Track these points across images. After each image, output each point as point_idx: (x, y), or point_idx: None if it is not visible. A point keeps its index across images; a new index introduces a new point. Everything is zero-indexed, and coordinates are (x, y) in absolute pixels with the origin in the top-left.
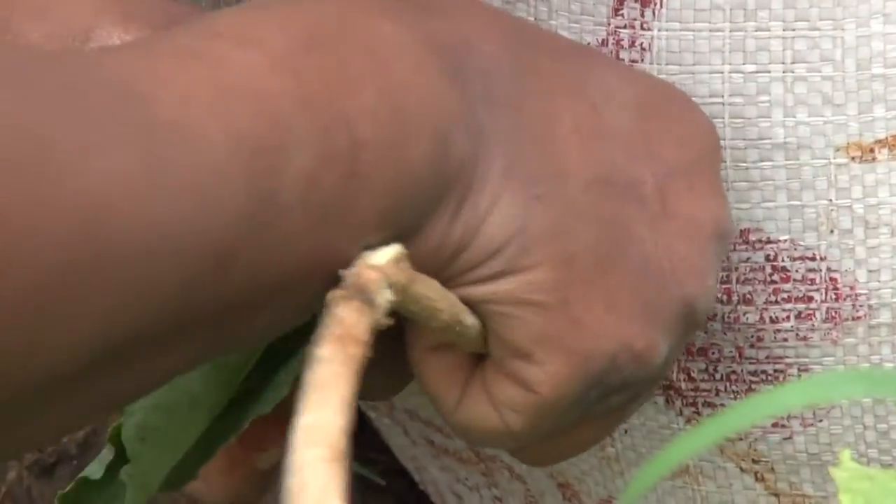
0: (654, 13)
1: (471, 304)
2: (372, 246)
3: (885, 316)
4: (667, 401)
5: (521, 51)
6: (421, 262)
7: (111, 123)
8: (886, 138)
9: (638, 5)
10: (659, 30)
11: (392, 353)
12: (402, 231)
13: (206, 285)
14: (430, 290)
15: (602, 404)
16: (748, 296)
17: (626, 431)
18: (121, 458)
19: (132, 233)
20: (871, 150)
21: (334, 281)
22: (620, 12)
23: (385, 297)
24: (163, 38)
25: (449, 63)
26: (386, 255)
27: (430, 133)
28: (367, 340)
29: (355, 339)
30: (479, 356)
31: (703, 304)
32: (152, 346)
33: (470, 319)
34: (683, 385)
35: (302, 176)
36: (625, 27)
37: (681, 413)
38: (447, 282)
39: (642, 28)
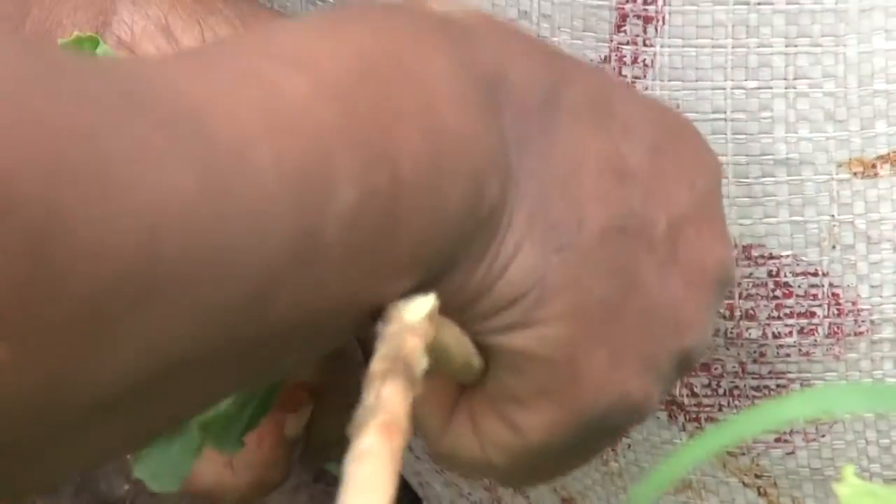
0: (656, 29)
1: (479, 346)
2: (400, 288)
3: (887, 331)
4: (669, 416)
5: (552, 83)
6: (440, 305)
7: (168, 138)
8: (888, 154)
9: (640, 22)
10: (661, 46)
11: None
12: (430, 274)
13: (248, 316)
14: (450, 338)
15: (589, 444)
16: (751, 311)
17: (629, 447)
18: None
19: (186, 252)
20: (873, 166)
21: (363, 322)
22: (623, 29)
23: (423, 367)
24: (218, 53)
25: (489, 99)
26: (422, 310)
27: (467, 177)
28: (409, 424)
29: (400, 428)
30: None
31: (699, 351)
32: (190, 374)
33: (477, 361)
34: (686, 400)
35: (344, 212)
36: (627, 44)
37: (684, 428)
38: (462, 324)
39: (645, 44)
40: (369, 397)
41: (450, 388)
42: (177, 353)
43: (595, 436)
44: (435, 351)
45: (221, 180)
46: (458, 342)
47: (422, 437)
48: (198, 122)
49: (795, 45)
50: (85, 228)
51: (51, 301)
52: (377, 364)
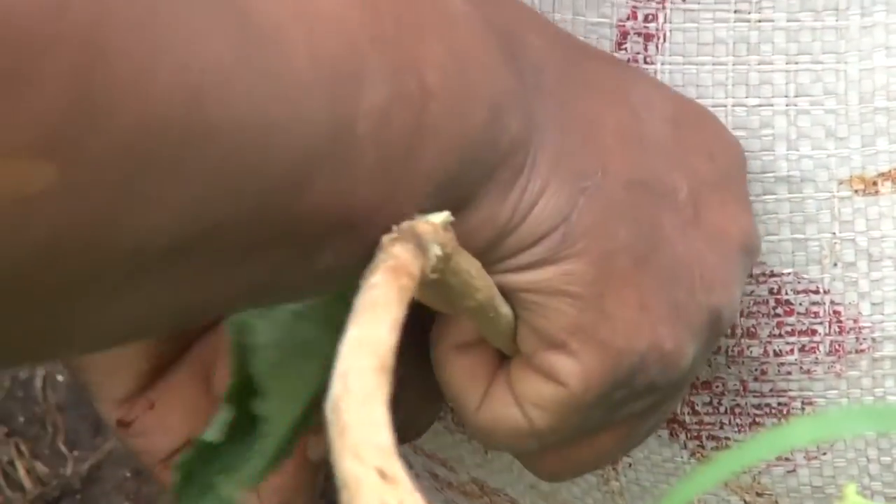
0: (657, 47)
1: (506, 293)
2: (424, 212)
3: (888, 349)
4: (671, 434)
5: (568, 51)
6: (465, 240)
7: (209, 11)
8: (889, 171)
9: (641, 39)
10: (662, 63)
11: (420, 389)
12: (452, 202)
13: (283, 198)
14: (470, 266)
15: (625, 408)
16: (752, 329)
17: (630, 465)
18: (242, 414)
19: (226, 117)
20: (874, 183)
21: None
22: (624, 46)
23: (435, 251)
24: None
25: (506, 47)
26: (437, 218)
27: (487, 103)
28: (418, 279)
29: (408, 273)
30: (502, 358)
31: (729, 314)
32: (222, 249)
33: (504, 308)
34: (688, 418)
35: (375, 110)
36: (628, 61)
37: (685, 446)
38: (486, 267)
39: (646, 62)
40: (377, 257)
41: (487, 364)
42: (212, 219)
43: (635, 393)
44: (457, 275)
45: (257, 59)
46: (479, 273)
47: (460, 414)
48: (242, 12)
49: (796, 63)
50: (130, 68)
51: (97, 131)
52: (387, 237)
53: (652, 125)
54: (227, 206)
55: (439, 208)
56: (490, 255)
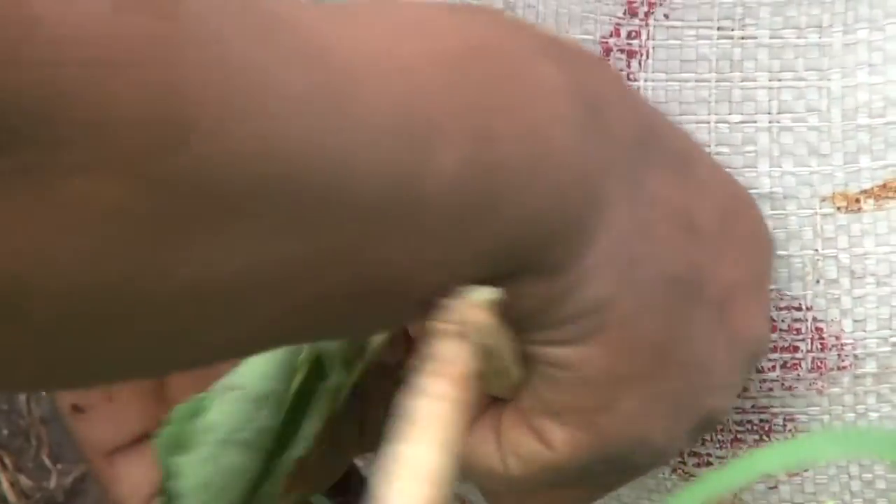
0: (640, 64)
1: (525, 357)
2: (472, 276)
3: (870, 366)
4: None
5: (648, 128)
6: (507, 307)
7: (294, 61)
8: (872, 188)
9: (624, 56)
10: (645, 80)
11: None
12: (502, 272)
13: (347, 253)
14: (496, 339)
15: (601, 478)
16: None
17: None
18: None
19: (304, 161)
20: (857, 201)
21: (430, 304)
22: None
23: (480, 340)
24: (345, 9)
25: (590, 120)
26: (485, 295)
27: (557, 183)
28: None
29: (465, 381)
30: (494, 397)
31: (721, 416)
32: (290, 298)
33: (517, 372)
34: None
35: (445, 172)
36: None
37: (667, 463)
38: (519, 332)
39: (628, 79)
40: (430, 352)
41: (478, 395)
42: (278, 262)
43: (614, 469)
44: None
45: (333, 96)
46: (501, 345)
47: None
48: (320, 55)
49: (779, 80)
50: (204, 111)
51: (179, 163)
52: (442, 327)
53: (703, 214)
54: (292, 247)
55: (487, 277)
56: (524, 323)
